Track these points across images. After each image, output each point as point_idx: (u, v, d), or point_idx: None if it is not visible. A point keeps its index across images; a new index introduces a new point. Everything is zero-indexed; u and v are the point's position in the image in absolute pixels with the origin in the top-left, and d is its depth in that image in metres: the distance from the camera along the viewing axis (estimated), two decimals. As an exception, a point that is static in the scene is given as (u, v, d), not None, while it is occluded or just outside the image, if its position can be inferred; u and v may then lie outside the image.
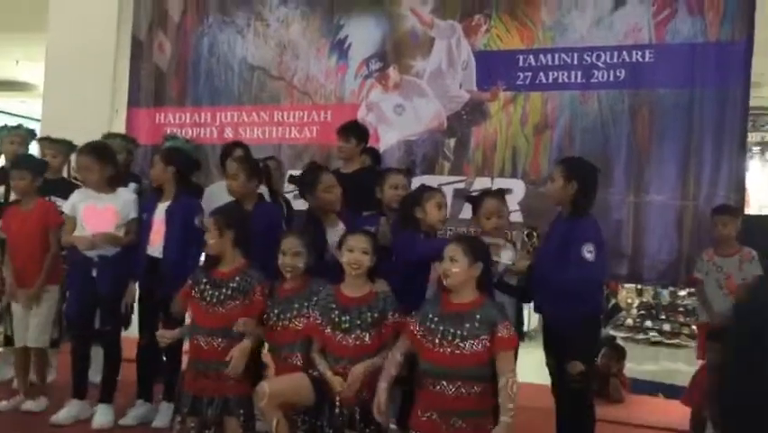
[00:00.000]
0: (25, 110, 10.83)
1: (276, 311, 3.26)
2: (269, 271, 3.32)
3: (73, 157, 4.37)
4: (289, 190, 5.29)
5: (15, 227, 4.00)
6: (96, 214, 3.81)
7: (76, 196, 3.91)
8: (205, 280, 3.33)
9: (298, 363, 3.18)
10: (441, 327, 2.84)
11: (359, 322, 3.06)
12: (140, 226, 3.86)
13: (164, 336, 3.38)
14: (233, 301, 3.25)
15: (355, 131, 4.51)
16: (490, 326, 2.79)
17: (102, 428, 3.73)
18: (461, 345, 2.79)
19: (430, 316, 2.88)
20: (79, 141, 4.22)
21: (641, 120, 4.86)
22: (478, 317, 2.82)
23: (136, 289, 3.87)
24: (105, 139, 4.48)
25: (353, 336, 3.06)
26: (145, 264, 3.81)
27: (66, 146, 4.56)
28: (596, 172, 3.42)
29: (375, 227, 3.61)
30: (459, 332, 2.81)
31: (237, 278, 3.29)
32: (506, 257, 3.37)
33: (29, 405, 3.98)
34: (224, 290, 3.27)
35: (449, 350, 2.80)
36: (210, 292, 3.29)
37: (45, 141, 4.59)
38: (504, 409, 2.72)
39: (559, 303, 3.24)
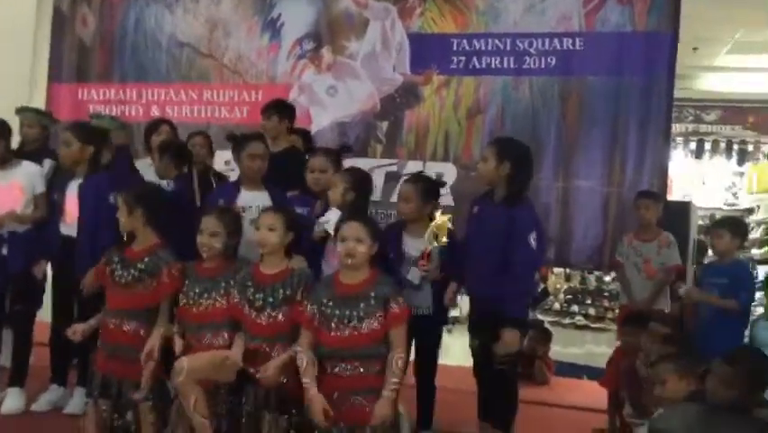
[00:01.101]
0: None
1: (196, 290, 3.16)
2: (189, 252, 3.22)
3: None
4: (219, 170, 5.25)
5: None
6: (0, 191, 3.64)
7: None
8: (116, 260, 3.21)
9: (222, 343, 3.09)
10: (336, 311, 2.82)
11: (271, 300, 3.00)
12: (49, 203, 3.69)
13: (75, 331, 3.25)
14: (141, 283, 3.16)
15: (276, 108, 4.41)
16: (384, 302, 2.81)
17: (11, 413, 3.58)
18: (358, 325, 2.79)
19: (324, 300, 2.86)
20: (-3, 116, 3.99)
21: (570, 107, 4.92)
22: (372, 294, 2.83)
23: (47, 267, 3.71)
24: (18, 113, 4.25)
25: (265, 313, 2.99)
26: (59, 244, 3.64)
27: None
28: (529, 153, 3.41)
29: (308, 209, 3.57)
30: (355, 313, 2.80)
31: (146, 258, 3.19)
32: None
33: None
34: (132, 271, 3.17)
35: (347, 332, 2.79)
36: (120, 273, 3.19)
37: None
38: (386, 383, 2.74)
39: (495, 284, 3.20)
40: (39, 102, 5.79)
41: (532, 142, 4.83)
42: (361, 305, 2.79)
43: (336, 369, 2.78)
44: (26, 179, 3.71)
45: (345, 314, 2.79)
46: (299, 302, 2.95)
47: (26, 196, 3.68)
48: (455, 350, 3.65)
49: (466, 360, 3.71)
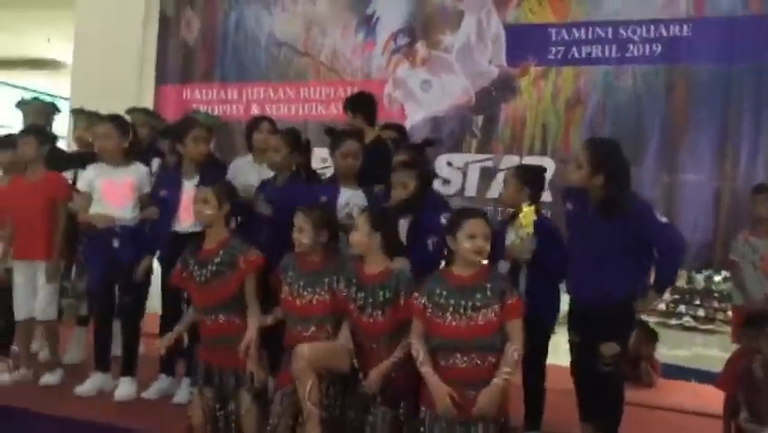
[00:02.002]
0: (56, 89, 10.94)
1: (301, 283, 3.21)
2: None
3: None
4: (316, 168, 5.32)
5: (18, 198, 3.97)
6: (114, 189, 3.78)
7: (91, 171, 3.85)
8: (192, 262, 3.31)
9: (325, 336, 3.14)
10: (452, 301, 2.78)
11: (371, 300, 3.01)
12: (155, 201, 3.82)
13: (162, 344, 3.38)
14: (221, 276, 3.24)
15: (349, 104, 4.39)
16: (501, 294, 2.76)
17: (124, 400, 3.72)
18: (474, 315, 2.74)
19: (438, 291, 2.82)
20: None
21: (677, 96, 4.71)
22: (489, 286, 2.78)
23: (153, 263, 3.85)
24: (128, 113, 4.43)
25: (366, 313, 3.01)
26: (170, 240, 3.76)
27: (96, 119, 4.35)
28: (626, 164, 3.18)
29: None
30: (471, 303, 2.76)
31: (221, 252, 3.27)
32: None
33: (46, 379, 3.96)
34: (210, 267, 3.25)
35: (463, 322, 2.75)
36: (198, 272, 3.28)
37: (78, 112, 4.53)
38: (499, 371, 2.70)
39: (603, 282, 3.08)
40: (146, 102, 6.05)
41: (635, 134, 4.74)
42: (478, 295, 2.75)
43: (451, 360, 2.74)
44: (137, 178, 3.84)
45: (461, 304, 2.76)
46: (406, 298, 2.92)
47: (135, 195, 3.81)
48: (553, 348, 3.53)
49: (559, 358, 3.61)
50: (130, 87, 6.28)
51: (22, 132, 4.14)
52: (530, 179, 3.46)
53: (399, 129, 4.81)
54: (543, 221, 3.33)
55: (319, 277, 3.19)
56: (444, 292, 2.80)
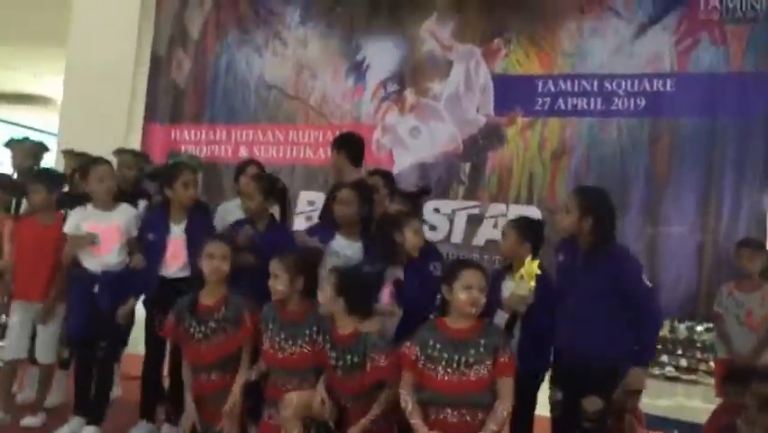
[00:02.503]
0: (42, 124, 10.92)
1: (282, 336, 3.18)
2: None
3: None
4: (302, 211, 5.33)
5: (29, 239, 3.95)
6: (101, 233, 3.76)
7: (77, 215, 3.82)
8: (189, 316, 3.29)
9: (309, 388, 3.12)
10: (445, 354, 2.77)
11: (341, 363, 3.03)
12: (142, 245, 3.79)
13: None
14: (223, 333, 3.21)
15: (334, 143, 4.41)
16: (494, 351, 2.76)
17: None
18: (467, 371, 2.74)
19: (431, 343, 2.80)
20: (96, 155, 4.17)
21: (660, 149, 4.79)
22: (482, 342, 2.78)
23: (136, 306, 3.81)
24: (117, 155, 4.43)
25: (339, 372, 3.04)
26: (157, 283, 3.73)
27: (79, 157, 4.47)
28: (612, 206, 3.27)
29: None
30: (464, 358, 2.76)
31: (223, 309, 3.25)
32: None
33: (28, 421, 3.89)
34: (210, 324, 3.23)
35: (455, 377, 2.73)
36: (196, 327, 3.26)
37: (69, 153, 4.51)
38: (486, 428, 2.70)
39: (589, 336, 3.09)
40: (134, 142, 6.06)
41: (619, 186, 4.79)
42: (471, 351, 2.76)
43: (441, 415, 2.73)
44: (124, 221, 3.81)
45: (454, 358, 2.76)
46: (374, 363, 2.91)
47: (123, 238, 3.78)
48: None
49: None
50: (118, 125, 6.28)
51: (32, 177, 4.12)
52: (531, 232, 3.49)
53: (386, 175, 4.83)
54: (544, 276, 3.32)
55: (300, 329, 3.18)
56: (438, 345, 2.79)
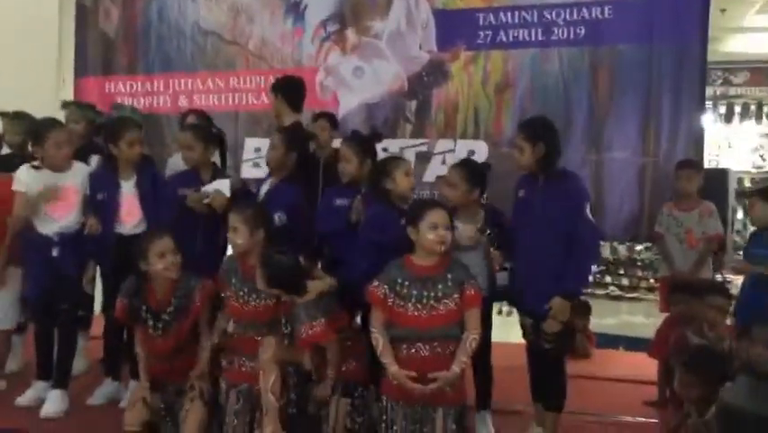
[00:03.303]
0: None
1: (245, 290, 3.20)
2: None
3: None
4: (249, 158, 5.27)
5: None
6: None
7: (27, 175, 3.66)
8: (143, 309, 3.25)
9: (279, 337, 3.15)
10: (414, 291, 2.83)
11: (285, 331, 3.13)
12: (92, 206, 3.71)
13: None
14: (176, 323, 3.24)
15: (271, 87, 4.38)
16: (460, 284, 2.84)
17: (51, 417, 3.55)
18: (436, 305, 2.81)
19: (399, 281, 2.86)
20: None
21: (601, 77, 4.87)
22: (449, 276, 2.85)
23: (96, 269, 3.75)
24: (64, 108, 4.26)
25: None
26: (113, 242, 3.66)
27: (25, 121, 4.21)
28: (555, 129, 3.40)
29: (349, 201, 3.48)
30: (432, 294, 2.82)
31: (173, 299, 3.25)
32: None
33: None
34: (164, 318, 3.24)
35: (424, 312, 2.81)
36: (152, 323, 3.25)
37: (1, 116, 4.30)
38: (457, 360, 2.79)
39: (553, 265, 3.18)
40: (66, 96, 5.78)
41: (563, 115, 4.87)
42: (439, 286, 2.82)
43: (413, 349, 2.80)
44: (80, 181, 3.70)
45: (423, 294, 2.82)
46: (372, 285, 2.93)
47: (79, 198, 3.68)
48: (508, 328, 3.64)
49: (510, 336, 3.73)
50: (48, 81, 6.08)
51: None
52: (478, 179, 3.53)
53: (331, 117, 4.80)
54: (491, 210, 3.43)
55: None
56: (406, 282, 2.84)
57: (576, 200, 3.19)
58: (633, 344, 5.80)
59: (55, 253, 3.62)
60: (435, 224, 2.84)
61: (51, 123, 3.79)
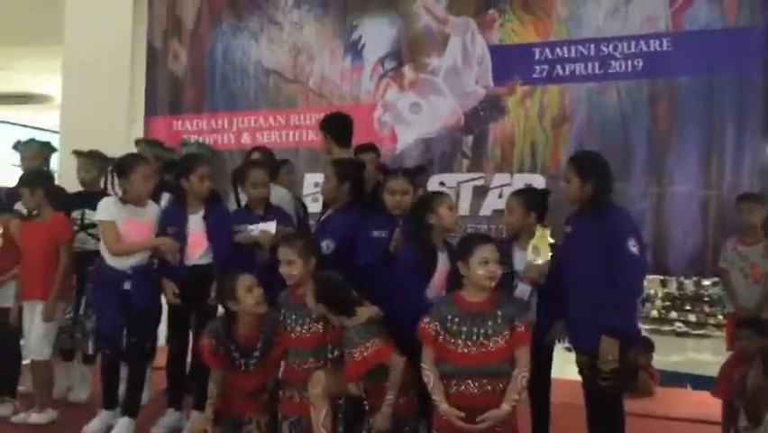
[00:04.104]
0: (41, 122, 10.95)
1: (293, 317, 3.28)
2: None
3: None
4: (309, 193, 5.39)
5: (27, 240, 4.03)
6: (137, 229, 3.80)
7: (113, 206, 3.80)
8: (231, 346, 3.33)
9: (309, 367, 3.22)
10: (464, 328, 2.84)
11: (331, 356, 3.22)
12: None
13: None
14: (262, 362, 3.35)
15: (322, 124, 4.40)
16: (510, 321, 2.83)
17: None
18: (486, 342, 2.81)
19: (449, 317, 2.87)
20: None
21: (661, 109, 4.83)
22: (499, 313, 2.85)
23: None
24: (136, 145, 4.46)
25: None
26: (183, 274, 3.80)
27: (98, 159, 4.43)
28: (608, 166, 3.31)
29: (387, 233, 3.47)
30: (482, 330, 2.83)
31: (261, 337, 3.34)
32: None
33: (34, 418, 3.96)
34: (254, 356, 3.33)
35: (474, 349, 2.81)
36: (241, 360, 3.33)
37: (76, 154, 4.55)
38: (507, 398, 2.77)
39: (596, 301, 3.11)
40: (136, 135, 6.04)
41: (622, 148, 4.85)
42: (489, 323, 2.83)
43: (463, 387, 2.80)
44: (154, 218, 3.87)
45: (473, 331, 2.83)
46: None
47: (153, 233, 3.84)
48: (569, 364, 3.59)
49: (567, 373, 3.67)
50: (119, 119, 6.32)
51: (17, 182, 4.16)
52: (535, 202, 3.53)
53: (372, 149, 4.61)
54: (557, 245, 3.37)
55: (309, 309, 3.22)
56: (456, 319, 2.86)
57: (618, 234, 3.12)
58: (699, 382, 5.63)
59: (127, 286, 3.74)
60: (486, 259, 2.85)
61: (136, 157, 3.98)
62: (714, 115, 4.68)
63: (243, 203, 3.94)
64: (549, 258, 3.26)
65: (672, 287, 8.74)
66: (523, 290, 3.29)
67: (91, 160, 4.43)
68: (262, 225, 3.70)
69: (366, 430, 3.10)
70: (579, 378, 3.37)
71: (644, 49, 4.89)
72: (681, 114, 4.78)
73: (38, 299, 3.95)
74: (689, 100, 4.75)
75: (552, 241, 3.22)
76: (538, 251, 3.22)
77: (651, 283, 8.77)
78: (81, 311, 4.28)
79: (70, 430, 3.82)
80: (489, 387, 2.79)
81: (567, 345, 3.53)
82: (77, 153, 4.47)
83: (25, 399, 4.16)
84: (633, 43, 4.92)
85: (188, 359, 3.96)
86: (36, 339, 3.95)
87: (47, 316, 3.92)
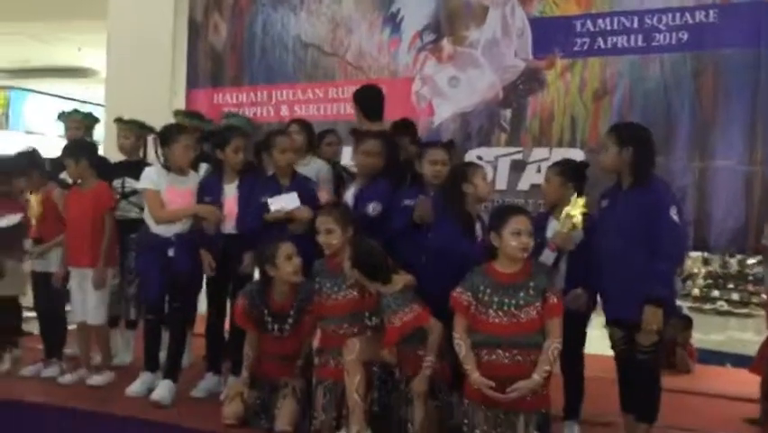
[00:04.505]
0: (88, 95, 11.17)
1: (328, 285, 3.33)
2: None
3: (150, 139, 4.38)
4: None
5: (72, 208, 4.14)
6: (179, 196, 3.89)
7: (155, 174, 3.91)
8: (265, 311, 3.43)
9: (345, 333, 3.28)
10: (495, 298, 2.86)
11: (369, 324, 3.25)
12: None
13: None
14: (295, 329, 3.43)
15: (354, 99, 4.44)
16: (542, 293, 2.85)
17: (159, 402, 3.75)
18: (517, 313, 2.83)
19: (481, 288, 2.90)
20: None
21: (705, 83, 4.71)
22: (531, 284, 2.87)
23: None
24: (175, 117, 4.55)
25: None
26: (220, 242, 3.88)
27: (137, 127, 4.54)
28: (650, 135, 3.28)
29: (414, 201, 3.52)
30: (514, 301, 2.85)
31: (295, 305, 3.43)
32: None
33: (94, 380, 4.10)
34: (288, 322, 3.42)
35: (505, 319, 2.83)
36: (273, 325, 3.43)
37: (117, 122, 4.66)
38: (539, 369, 2.80)
39: (637, 276, 3.07)
40: (178, 107, 6.16)
41: (664, 122, 4.75)
42: (521, 294, 2.85)
43: (494, 356, 2.84)
44: (194, 187, 3.97)
45: (504, 301, 2.85)
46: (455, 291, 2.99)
47: (194, 201, 3.94)
48: (592, 339, 3.57)
49: (604, 349, 3.65)
50: (162, 92, 6.43)
51: (62, 152, 4.26)
52: (573, 173, 3.52)
53: (408, 126, 4.56)
54: (590, 216, 3.36)
55: (344, 276, 3.28)
56: (488, 289, 2.88)
57: (659, 204, 3.09)
58: (740, 362, 5.54)
59: (171, 253, 3.85)
60: (519, 230, 2.86)
61: (179, 127, 4.08)
62: (760, 89, 4.56)
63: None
64: (580, 227, 3.22)
65: (716, 265, 8.58)
66: (548, 255, 3.28)
67: (129, 126, 4.52)
68: (285, 197, 3.72)
69: (398, 396, 3.13)
70: (611, 353, 3.37)
71: (690, 21, 4.77)
72: (726, 87, 4.66)
73: (86, 267, 4.07)
74: (734, 73, 4.62)
75: (585, 211, 3.19)
76: (570, 219, 3.19)
77: (693, 262, 8.62)
78: (123, 278, 4.39)
79: (115, 391, 3.95)
80: (520, 357, 2.81)
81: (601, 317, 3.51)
82: (117, 121, 4.58)
83: (71, 361, 4.31)
84: (678, 15, 4.80)
85: (227, 327, 4.04)
86: (93, 306, 4.08)
87: (98, 283, 4.04)
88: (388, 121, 4.45)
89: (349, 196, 3.84)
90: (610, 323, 3.33)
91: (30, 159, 4.39)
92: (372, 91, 4.42)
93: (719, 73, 4.67)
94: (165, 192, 3.87)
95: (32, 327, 5.02)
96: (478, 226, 3.36)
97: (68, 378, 4.16)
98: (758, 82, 4.55)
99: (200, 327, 4.17)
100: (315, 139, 4.54)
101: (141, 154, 4.54)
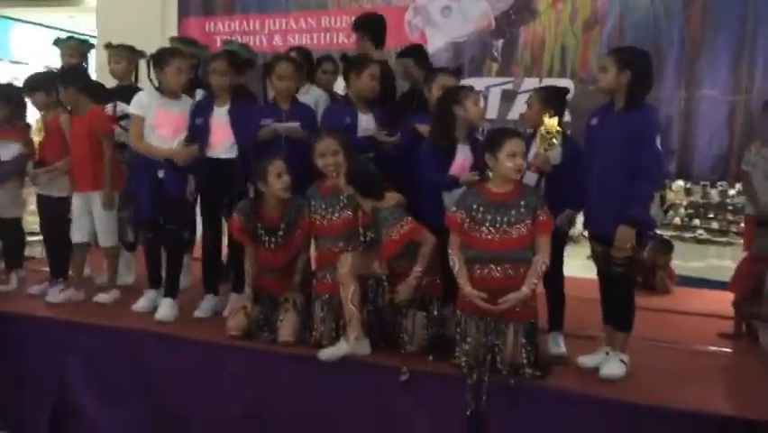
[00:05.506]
0: (74, 25, 10.99)
1: (323, 206, 3.49)
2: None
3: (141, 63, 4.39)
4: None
5: (72, 134, 4.20)
6: (169, 120, 3.93)
7: (145, 97, 3.96)
8: (258, 225, 3.57)
9: (340, 251, 3.43)
10: (488, 216, 3.03)
11: (363, 240, 3.40)
12: (191, 131, 3.97)
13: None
14: (287, 240, 3.58)
15: (355, 26, 4.44)
16: (533, 211, 3.01)
17: (163, 320, 3.89)
18: (509, 229, 3.00)
19: (474, 207, 3.05)
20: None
21: (694, 13, 4.80)
22: (522, 203, 3.02)
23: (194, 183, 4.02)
24: (171, 43, 4.56)
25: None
26: (208, 166, 3.94)
27: (128, 51, 4.56)
28: (650, 59, 3.33)
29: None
30: (506, 219, 3.01)
31: (286, 218, 3.56)
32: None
33: (100, 297, 4.23)
34: (279, 235, 3.57)
35: (498, 236, 3.00)
36: (267, 238, 3.58)
37: (107, 48, 4.67)
38: (527, 281, 2.98)
39: (620, 192, 3.15)
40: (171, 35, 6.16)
41: (653, 52, 4.72)
42: (512, 212, 3.01)
43: (486, 271, 3.02)
44: (187, 108, 4.01)
45: (497, 219, 3.02)
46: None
47: (186, 124, 3.98)
48: (575, 264, 3.73)
49: (587, 272, 3.82)
50: (153, 20, 6.40)
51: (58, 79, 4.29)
52: (553, 99, 3.59)
53: (419, 50, 4.60)
54: (570, 141, 3.45)
55: (340, 197, 3.46)
56: (481, 208, 3.04)
57: (649, 130, 3.16)
58: (719, 287, 5.72)
59: (161, 174, 3.93)
60: (514, 152, 3.00)
61: (173, 51, 4.09)
62: (747, 20, 4.66)
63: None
64: (557, 145, 3.31)
65: (697, 196, 8.78)
66: (530, 176, 3.37)
67: (120, 51, 4.56)
68: (288, 124, 3.81)
69: (387, 303, 3.31)
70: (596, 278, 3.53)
71: (680, -50, 4.81)
72: (715, 19, 4.77)
73: (89, 191, 4.17)
74: (723, 5, 4.72)
75: (559, 129, 3.28)
76: (546, 138, 3.29)
77: (676, 193, 8.82)
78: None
79: (121, 308, 4.12)
80: (511, 271, 2.99)
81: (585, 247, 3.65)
82: (107, 46, 4.60)
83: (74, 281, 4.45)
84: (668, -58, 4.83)
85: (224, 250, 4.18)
86: (102, 229, 4.19)
87: (107, 204, 4.14)
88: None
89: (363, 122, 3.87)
90: (592, 238, 3.47)
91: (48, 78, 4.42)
92: (379, 18, 4.46)
93: (708, 4, 4.75)
94: (156, 115, 3.92)
95: (35, 252, 5.16)
96: (467, 149, 3.48)
97: (64, 295, 4.23)
98: (746, 12, 4.64)
99: (199, 251, 4.30)
100: (314, 68, 4.58)
101: (132, 79, 4.58)
